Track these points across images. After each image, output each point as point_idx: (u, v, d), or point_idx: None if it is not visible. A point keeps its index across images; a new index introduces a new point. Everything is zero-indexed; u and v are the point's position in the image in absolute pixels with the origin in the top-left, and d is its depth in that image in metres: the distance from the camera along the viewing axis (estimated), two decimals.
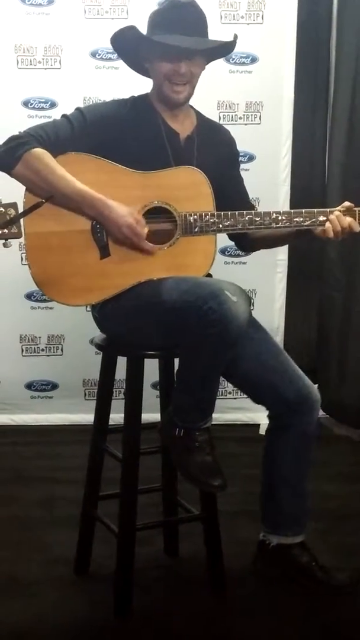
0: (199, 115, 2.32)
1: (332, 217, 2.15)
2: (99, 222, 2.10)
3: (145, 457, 2.24)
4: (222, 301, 1.92)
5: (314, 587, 2.29)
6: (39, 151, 2.07)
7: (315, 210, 2.18)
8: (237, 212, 2.16)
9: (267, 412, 2.31)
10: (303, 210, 2.18)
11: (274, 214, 2.17)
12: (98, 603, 2.22)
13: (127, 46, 2.23)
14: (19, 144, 2.07)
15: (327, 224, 2.15)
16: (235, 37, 2.23)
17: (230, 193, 2.25)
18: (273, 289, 3.81)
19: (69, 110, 2.20)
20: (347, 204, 2.19)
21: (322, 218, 2.16)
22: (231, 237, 2.28)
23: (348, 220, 2.16)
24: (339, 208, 2.18)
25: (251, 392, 2.30)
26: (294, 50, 3.66)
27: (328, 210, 2.18)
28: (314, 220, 2.17)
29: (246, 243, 2.41)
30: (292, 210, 2.20)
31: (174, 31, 2.13)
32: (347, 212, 2.17)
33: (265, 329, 2.31)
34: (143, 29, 2.22)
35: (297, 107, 3.72)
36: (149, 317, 2.08)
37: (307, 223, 2.17)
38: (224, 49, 2.27)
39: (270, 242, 2.38)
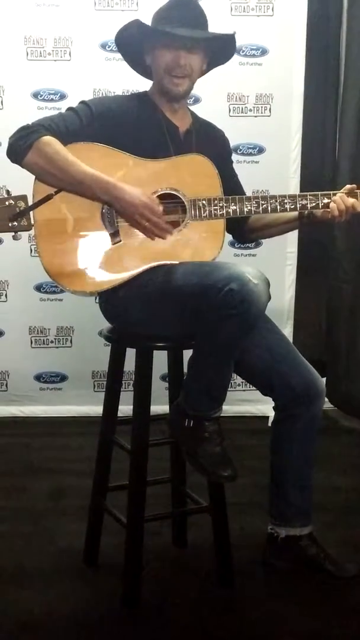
0: (193, 114, 2.39)
1: (336, 197, 2.22)
2: (113, 206, 2.12)
3: (154, 449, 2.24)
4: (244, 283, 1.93)
5: (322, 578, 2.29)
6: (50, 138, 2.10)
7: (320, 192, 2.24)
8: (244, 197, 2.22)
9: (272, 406, 2.31)
10: (307, 194, 2.24)
11: (280, 197, 2.22)
12: (106, 594, 2.23)
13: (131, 41, 2.28)
14: (30, 133, 2.11)
15: (332, 204, 2.21)
16: (234, 32, 2.28)
17: (226, 189, 2.25)
18: (283, 281, 3.81)
19: (80, 100, 2.24)
20: (349, 186, 2.26)
21: (325, 200, 2.23)
22: (230, 228, 2.29)
23: (351, 200, 2.23)
24: (342, 191, 2.25)
25: (259, 382, 2.30)
26: (304, 43, 3.65)
27: (331, 192, 2.25)
28: (317, 202, 2.23)
29: (245, 233, 2.43)
30: (297, 194, 2.25)
31: (174, 25, 2.19)
32: (350, 194, 2.24)
33: (273, 320, 2.31)
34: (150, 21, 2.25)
35: (307, 100, 3.71)
36: (166, 303, 2.09)
37: (311, 205, 2.23)
38: (224, 44, 2.31)
39: (273, 230, 2.41)
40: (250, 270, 1.97)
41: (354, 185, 2.26)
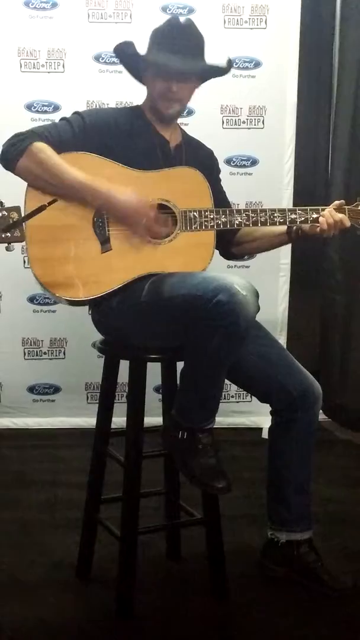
0: (183, 131, 2.42)
1: (325, 212, 2.26)
2: (105, 210, 2.12)
3: (148, 461, 2.23)
4: (232, 294, 1.93)
5: (317, 588, 2.29)
6: (42, 144, 2.12)
7: (309, 207, 2.27)
8: (234, 209, 2.25)
9: (269, 411, 2.32)
10: (297, 208, 2.27)
11: (269, 211, 2.24)
12: (100, 606, 2.22)
13: (128, 58, 2.30)
14: (23, 139, 2.13)
15: (321, 219, 2.25)
16: (230, 62, 2.32)
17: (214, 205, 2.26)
18: (276, 293, 3.81)
19: (73, 111, 2.26)
20: (337, 202, 2.31)
21: (314, 215, 2.26)
22: (217, 244, 2.29)
23: (340, 215, 2.27)
24: (330, 206, 2.29)
25: (256, 390, 2.32)
26: (297, 55, 3.66)
27: (320, 207, 2.28)
28: (306, 217, 2.26)
29: (230, 246, 2.43)
30: (286, 208, 2.28)
31: (169, 51, 2.20)
32: (338, 209, 2.29)
33: (266, 328, 2.32)
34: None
35: (300, 112, 3.72)
36: (156, 314, 2.10)
37: (301, 220, 2.25)
38: (218, 72, 2.33)
39: (262, 243, 2.43)
40: (238, 281, 1.97)
41: (343, 201, 2.31)
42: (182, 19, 2.28)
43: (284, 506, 2.31)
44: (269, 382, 2.25)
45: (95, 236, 2.15)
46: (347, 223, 2.27)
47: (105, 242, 2.15)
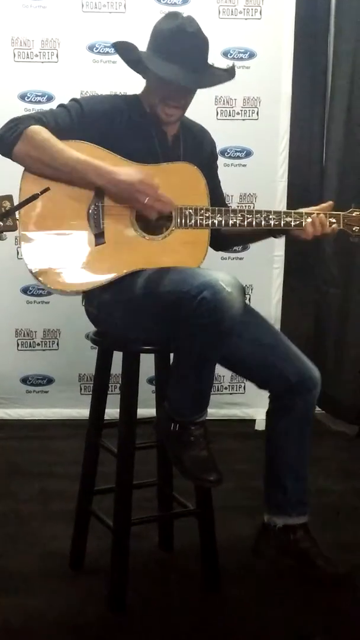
0: (183, 117, 2.35)
1: (314, 221, 2.23)
2: (107, 190, 2.10)
3: (141, 452, 2.23)
4: (216, 291, 1.92)
5: (312, 573, 2.30)
6: (39, 127, 2.09)
7: (304, 211, 2.25)
8: (230, 209, 2.23)
9: (264, 399, 2.32)
10: (293, 211, 2.26)
11: (265, 213, 2.23)
12: (93, 597, 2.22)
13: (127, 55, 2.26)
14: (18, 124, 2.10)
15: (308, 227, 2.23)
16: (233, 69, 2.27)
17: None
18: (270, 285, 3.81)
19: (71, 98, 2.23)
20: (327, 205, 2.29)
21: (310, 220, 2.24)
22: None
23: (328, 229, 2.25)
24: (320, 207, 2.27)
25: (253, 376, 2.32)
26: (292, 46, 3.65)
27: (315, 212, 2.25)
28: (301, 221, 2.24)
29: (222, 241, 2.41)
30: (282, 211, 2.26)
31: (174, 61, 2.14)
32: (329, 212, 2.27)
33: (261, 314, 2.32)
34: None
35: (294, 103, 3.71)
36: (145, 309, 2.09)
37: (295, 223, 2.24)
38: (221, 80, 2.30)
39: (247, 239, 2.45)
40: (224, 278, 1.96)
41: (331, 203, 2.30)
42: (187, 25, 2.17)
43: (280, 491, 2.31)
44: (267, 369, 2.25)
45: (89, 229, 2.14)
46: (332, 235, 2.28)
47: (99, 236, 2.13)
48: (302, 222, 2.24)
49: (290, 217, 2.24)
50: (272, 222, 2.23)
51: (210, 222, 2.18)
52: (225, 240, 2.42)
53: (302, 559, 2.31)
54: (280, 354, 2.25)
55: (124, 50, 2.25)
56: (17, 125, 2.09)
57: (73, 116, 2.15)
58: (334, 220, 2.27)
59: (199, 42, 2.19)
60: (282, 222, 2.23)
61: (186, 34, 2.16)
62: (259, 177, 3.70)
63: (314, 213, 2.25)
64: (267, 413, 2.35)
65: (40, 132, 2.08)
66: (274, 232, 2.32)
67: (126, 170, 2.09)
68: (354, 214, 2.29)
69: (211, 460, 2.06)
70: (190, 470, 2.05)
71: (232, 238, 2.43)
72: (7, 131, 2.10)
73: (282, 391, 2.26)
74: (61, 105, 2.19)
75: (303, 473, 2.32)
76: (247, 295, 2.04)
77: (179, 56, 2.14)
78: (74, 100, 2.20)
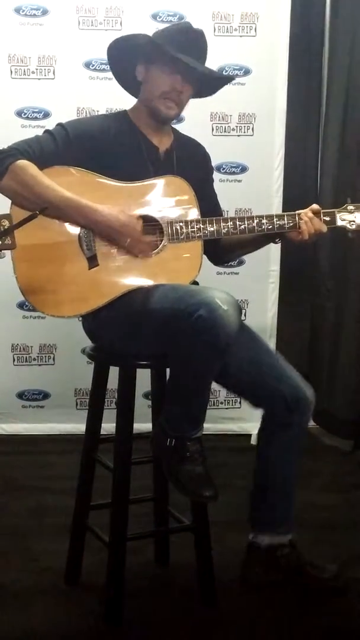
0: (175, 131, 2.39)
1: (306, 219, 2.23)
2: (91, 229, 2.11)
3: (137, 467, 2.23)
4: (212, 309, 1.93)
5: (306, 583, 2.29)
6: (25, 162, 2.10)
7: (297, 213, 2.25)
8: (221, 218, 2.22)
9: (260, 414, 2.31)
10: (285, 214, 2.25)
11: (257, 218, 2.23)
12: (89, 613, 2.22)
13: (126, 52, 2.26)
14: (5, 157, 2.10)
15: (303, 226, 2.22)
16: (232, 77, 2.39)
17: (204, 209, 2.25)
18: (265, 299, 3.82)
19: (63, 120, 2.25)
20: (315, 206, 2.28)
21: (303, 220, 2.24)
22: (206, 250, 2.27)
23: (317, 225, 2.24)
24: (308, 209, 2.26)
25: (248, 394, 2.31)
26: (287, 63, 3.68)
27: (302, 212, 2.25)
28: (295, 222, 2.23)
29: (222, 253, 2.42)
30: (274, 214, 2.26)
31: (182, 52, 2.18)
32: (316, 214, 2.26)
33: (256, 332, 2.32)
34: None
35: (289, 119, 3.74)
36: (141, 326, 2.09)
37: (289, 225, 2.23)
38: (216, 84, 2.37)
39: (246, 247, 2.43)
40: (220, 295, 1.97)
41: (319, 207, 2.28)
42: (191, 25, 2.29)
43: (268, 509, 2.31)
44: (261, 388, 2.25)
45: (82, 253, 2.14)
46: (324, 229, 2.26)
47: (92, 259, 2.14)
48: (295, 223, 2.23)
49: (283, 219, 2.23)
50: (264, 226, 2.22)
51: (202, 233, 2.18)
52: (225, 251, 2.43)
53: (294, 572, 2.31)
54: (275, 373, 2.25)
55: (130, 39, 2.26)
56: (3, 160, 2.09)
57: (58, 142, 2.16)
58: (327, 218, 2.27)
59: (203, 41, 2.28)
60: (276, 226, 2.23)
61: (193, 30, 2.25)
62: (255, 192, 3.72)
63: (305, 212, 2.25)
64: (259, 432, 2.34)
65: (26, 168, 2.08)
66: (272, 238, 2.32)
67: (109, 212, 2.09)
68: (348, 208, 2.29)
69: (207, 475, 2.06)
70: (186, 485, 2.05)
71: (231, 249, 2.43)
72: None
73: (275, 411, 2.25)
74: (47, 132, 2.20)
75: (290, 491, 2.31)
76: (242, 310, 2.04)
77: (186, 47, 2.19)
78: (59, 125, 2.21)
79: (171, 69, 2.20)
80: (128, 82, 2.34)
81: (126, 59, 2.27)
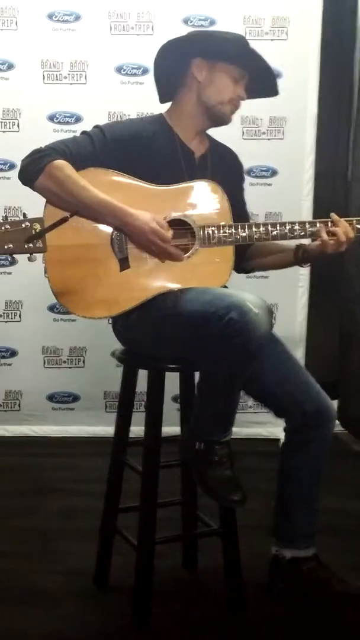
0: (210, 138, 2.39)
1: (341, 226, 2.20)
2: (123, 231, 2.13)
3: (165, 470, 2.24)
4: (244, 312, 1.93)
5: (332, 598, 2.28)
6: (61, 162, 2.11)
7: (329, 220, 2.22)
8: (253, 223, 2.22)
9: (283, 427, 2.31)
10: (317, 221, 2.23)
11: (289, 224, 2.21)
12: (117, 615, 2.22)
13: (182, 53, 2.25)
14: (42, 156, 2.12)
15: (340, 231, 2.19)
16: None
17: (233, 215, 2.24)
18: (295, 303, 3.82)
19: (94, 125, 2.25)
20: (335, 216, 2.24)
21: (333, 228, 2.21)
22: None
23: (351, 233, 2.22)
24: (330, 219, 2.23)
25: (272, 404, 2.30)
26: (318, 66, 3.68)
27: (333, 220, 2.22)
28: (328, 229, 2.20)
29: (242, 264, 2.41)
30: (306, 221, 2.24)
31: (248, 61, 2.24)
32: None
33: (285, 343, 2.32)
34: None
35: (320, 123, 3.73)
36: (172, 329, 2.10)
37: (324, 234, 2.20)
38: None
39: (270, 258, 2.40)
40: (251, 299, 1.97)
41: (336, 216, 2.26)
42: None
43: (290, 524, 2.30)
44: (285, 397, 2.24)
45: (113, 255, 2.15)
46: (352, 234, 2.22)
47: (123, 261, 2.15)
48: (328, 230, 2.20)
49: (315, 226, 2.22)
50: (296, 233, 2.20)
51: (234, 238, 2.19)
52: (247, 263, 2.42)
53: (319, 586, 2.29)
54: (299, 386, 2.24)
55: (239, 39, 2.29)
56: (41, 158, 2.10)
57: (95, 143, 2.17)
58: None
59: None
60: (308, 232, 2.21)
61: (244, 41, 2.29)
62: (285, 196, 3.72)
63: (329, 221, 2.22)
64: (282, 445, 2.33)
65: (62, 167, 2.09)
66: (299, 261, 2.31)
67: (143, 216, 2.09)
68: None
69: (235, 479, 2.06)
70: (214, 489, 2.05)
71: (251, 255, 2.42)
72: (30, 163, 2.12)
73: (298, 424, 2.24)
74: (84, 133, 2.22)
75: (314, 506, 2.30)
76: (272, 313, 2.03)
77: (254, 60, 2.26)
78: (96, 127, 2.22)
79: (241, 71, 2.23)
80: (169, 84, 2.31)
81: (179, 58, 2.26)
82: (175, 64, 2.27)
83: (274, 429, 3.76)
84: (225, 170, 2.34)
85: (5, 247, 1.85)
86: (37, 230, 1.86)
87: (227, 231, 2.18)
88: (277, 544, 2.33)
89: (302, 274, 3.78)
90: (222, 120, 2.28)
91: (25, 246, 1.86)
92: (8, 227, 1.84)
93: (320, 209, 3.78)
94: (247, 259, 2.41)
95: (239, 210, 2.32)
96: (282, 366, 2.25)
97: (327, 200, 3.93)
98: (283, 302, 3.77)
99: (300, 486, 2.27)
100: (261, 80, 2.30)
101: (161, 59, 2.28)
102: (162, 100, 2.35)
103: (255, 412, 3.77)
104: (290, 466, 2.29)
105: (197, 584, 2.44)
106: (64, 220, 1.92)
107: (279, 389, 2.24)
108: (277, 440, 3.66)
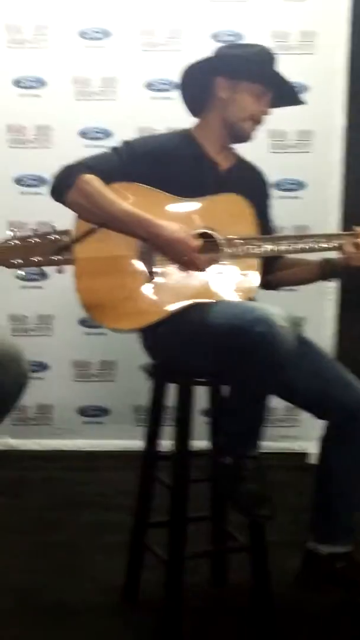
0: (237, 154, 2.42)
1: None
2: (151, 243, 2.14)
3: (195, 485, 2.24)
4: (270, 325, 1.93)
5: None
6: (90, 177, 2.15)
7: (354, 232, 2.22)
8: (279, 235, 2.26)
9: (319, 430, 2.30)
10: (343, 233, 2.24)
11: (315, 237, 2.23)
12: (146, 631, 2.22)
13: (205, 75, 2.29)
14: (72, 172, 2.16)
15: None
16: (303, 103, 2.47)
17: (259, 233, 2.27)
18: (324, 316, 3.79)
19: (122, 140, 2.30)
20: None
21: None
22: None
23: None
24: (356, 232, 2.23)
25: (313, 406, 2.29)
26: (345, 80, 3.67)
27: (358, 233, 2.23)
28: (355, 241, 2.21)
29: (267, 276, 2.39)
30: (332, 233, 2.24)
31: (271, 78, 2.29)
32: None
33: (315, 343, 2.32)
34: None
35: (348, 136, 3.72)
36: (199, 342, 2.10)
37: (350, 247, 2.21)
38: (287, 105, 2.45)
39: (294, 277, 2.44)
40: (277, 312, 1.97)
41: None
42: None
43: (329, 518, 2.28)
44: (326, 400, 2.23)
45: (141, 266, 2.18)
46: None
47: (151, 272, 2.17)
48: (356, 242, 2.21)
49: (341, 239, 2.23)
50: (323, 245, 2.22)
51: (259, 250, 2.19)
52: (273, 276, 2.42)
53: (349, 585, 2.27)
54: (339, 384, 2.23)
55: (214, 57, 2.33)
56: (71, 174, 2.15)
57: (124, 158, 2.21)
58: None
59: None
60: (333, 245, 2.22)
61: (271, 53, 2.33)
62: (313, 209, 3.71)
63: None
64: (322, 441, 2.31)
65: (91, 182, 2.14)
66: (326, 275, 2.32)
67: (170, 228, 2.11)
68: None
69: (264, 494, 2.05)
70: (242, 504, 2.05)
71: (282, 274, 2.43)
72: (61, 179, 2.17)
73: (340, 421, 2.23)
74: (113, 149, 2.27)
75: (353, 502, 2.28)
76: (299, 325, 2.03)
77: (276, 77, 2.31)
78: (125, 142, 2.27)
79: (263, 89, 2.26)
80: (196, 102, 2.36)
81: (204, 78, 2.31)
82: (201, 84, 2.32)
83: (304, 443, 3.74)
84: (251, 187, 2.36)
85: (34, 259, 1.87)
86: (66, 242, 1.88)
87: (253, 243, 2.19)
88: (314, 539, 2.31)
89: (331, 287, 3.76)
90: (242, 137, 2.32)
91: (54, 258, 1.88)
92: (37, 239, 1.86)
93: (349, 222, 3.75)
94: (272, 271, 2.41)
95: (265, 227, 2.33)
96: (317, 367, 2.24)
97: (355, 212, 3.91)
98: (311, 315, 3.74)
99: (341, 480, 2.25)
100: (284, 95, 2.35)
101: (186, 80, 2.34)
102: (195, 115, 2.40)
103: (285, 427, 3.75)
104: (331, 460, 2.27)
105: (226, 601, 2.43)
106: (91, 231, 1.95)
107: (320, 392, 2.22)
108: (307, 454, 3.65)
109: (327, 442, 2.30)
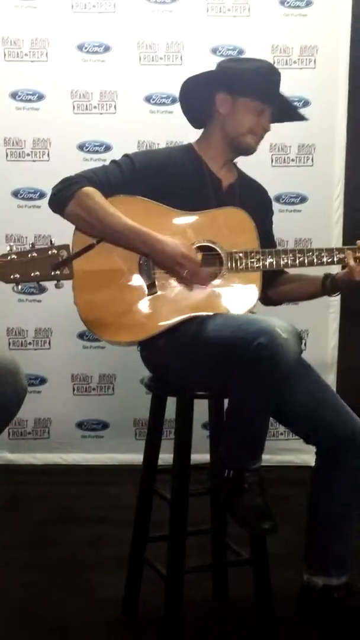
0: (239, 169, 2.42)
1: None
2: (151, 257, 2.14)
3: (195, 498, 2.22)
4: (273, 337, 1.91)
5: None
6: (90, 189, 2.14)
7: (356, 246, 2.22)
8: (281, 249, 2.23)
9: (315, 451, 2.27)
10: (345, 248, 2.23)
11: (316, 251, 2.22)
12: None
13: (205, 88, 2.29)
14: (72, 184, 2.15)
15: None
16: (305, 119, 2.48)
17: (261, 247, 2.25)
18: (326, 329, 3.79)
19: (123, 154, 2.29)
20: None
21: None
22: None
23: None
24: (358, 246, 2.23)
25: (301, 429, 2.26)
26: (346, 94, 3.69)
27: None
28: (356, 256, 2.20)
29: (269, 291, 2.40)
30: (334, 247, 2.25)
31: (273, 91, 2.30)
32: None
33: (314, 367, 2.29)
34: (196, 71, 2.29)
35: (349, 150, 3.73)
36: (200, 355, 2.09)
37: (351, 261, 2.20)
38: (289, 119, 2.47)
39: (296, 292, 2.42)
40: (280, 324, 1.95)
41: None
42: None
43: (322, 551, 2.24)
44: (314, 423, 2.20)
45: (141, 279, 2.17)
46: None
47: (151, 285, 2.16)
48: (357, 257, 2.20)
49: (343, 253, 2.22)
50: (324, 259, 2.22)
51: (261, 264, 2.19)
52: (274, 290, 2.41)
53: (349, 615, 2.24)
54: (330, 409, 2.20)
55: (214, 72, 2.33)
56: (71, 186, 2.14)
57: (124, 171, 2.20)
58: None
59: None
60: (336, 259, 2.22)
61: (278, 73, 2.32)
62: (314, 223, 3.72)
63: None
64: (313, 470, 2.29)
65: (91, 195, 2.13)
66: (328, 290, 2.31)
67: (171, 242, 2.12)
68: None
69: (266, 507, 2.03)
70: (244, 517, 2.02)
71: (283, 289, 2.42)
72: (60, 191, 2.16)
73: (330, 448, 2.20)
74: (113, 162, 2.25)
75: (347, 533, 2.24)
76: (303, 341, 2.02)
77: (276, 85, 2.31)
78: (126, 156, 2.26)
79: (262, 106, 2.26)
80: (197, 116, 2.36)
81: (204, 92, 2.30)
82: (201, 98, 2.31)
83: (306, 456, 3.70)
84: (253, 201, 2.35)
85: (32, 274, 1.87)
86: (64, 257, 1.87)
87: (254, 257, 2.18)
88: (308, 571, 2.28)
89: (333, 299, 3.75)
90: (244, 150, 2.31)
91: (52, 273, 1.88)
92: (35, 254, 1.86)
93: (351, 236, 3.76)
94: (274, 286, 2.40)
95: (266, 242, 2.32)
96: (311, 390, 2.22)
97: (357, 226, 3.91)
98: (314, 328, 3.74)
99: (332, 512, 2.22)
100: (285, 111, 2.36)
101: (186, 94, 2.34)
102: (195, 126, 2.40)
103: (286, 439, 3.72)
104: (321, 490, 2.25)
105: (227, 615, 2.40)
106: (90, 247, 1.94)
107: (309, 414, 2.20)
108: (309, 467, 3.61)
109: (318, 470, 2.26)
